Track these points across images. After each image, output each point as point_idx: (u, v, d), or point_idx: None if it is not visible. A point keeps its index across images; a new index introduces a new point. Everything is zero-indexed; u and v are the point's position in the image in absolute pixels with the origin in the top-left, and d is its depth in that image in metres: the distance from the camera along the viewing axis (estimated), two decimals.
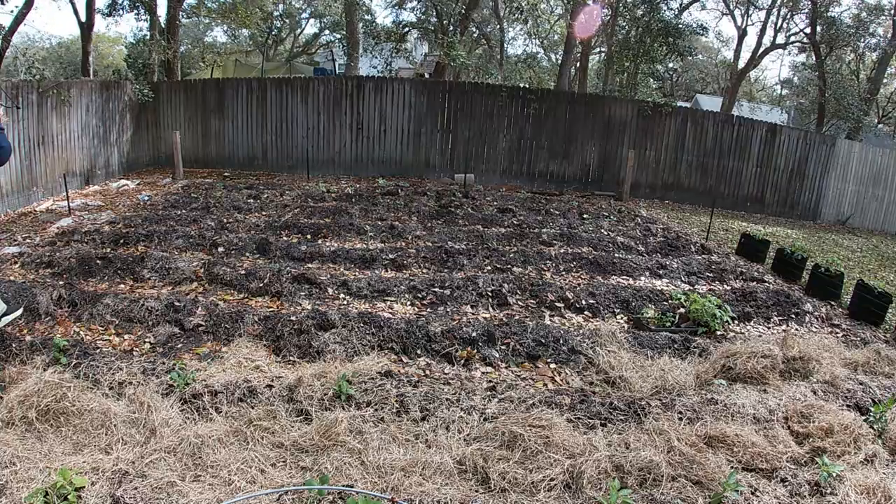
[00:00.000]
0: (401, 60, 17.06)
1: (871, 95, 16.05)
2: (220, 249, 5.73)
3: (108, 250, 5.50)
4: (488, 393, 3.24)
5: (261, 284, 4.78)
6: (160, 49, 12.02)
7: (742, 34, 20.34)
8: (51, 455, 2.44)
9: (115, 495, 2.23)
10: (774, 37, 19.40)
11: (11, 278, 4.67)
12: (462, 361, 3.72)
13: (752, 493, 2.54)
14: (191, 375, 3.12)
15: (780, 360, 3.77)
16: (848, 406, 3.35)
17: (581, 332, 4.18)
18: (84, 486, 2.23)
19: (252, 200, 8.07)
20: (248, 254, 5.70)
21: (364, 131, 11.44)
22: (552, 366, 3.78)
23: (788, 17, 18.51)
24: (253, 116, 11.46)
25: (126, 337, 3.85)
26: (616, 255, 6.42)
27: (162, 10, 13.22)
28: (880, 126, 21.86)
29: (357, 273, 5.39)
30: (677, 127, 11.86)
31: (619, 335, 4.13)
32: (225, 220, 6.85)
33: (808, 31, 16.56)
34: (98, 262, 5.01)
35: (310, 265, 5.50)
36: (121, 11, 12.82)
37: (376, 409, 2.95)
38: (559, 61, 19.28)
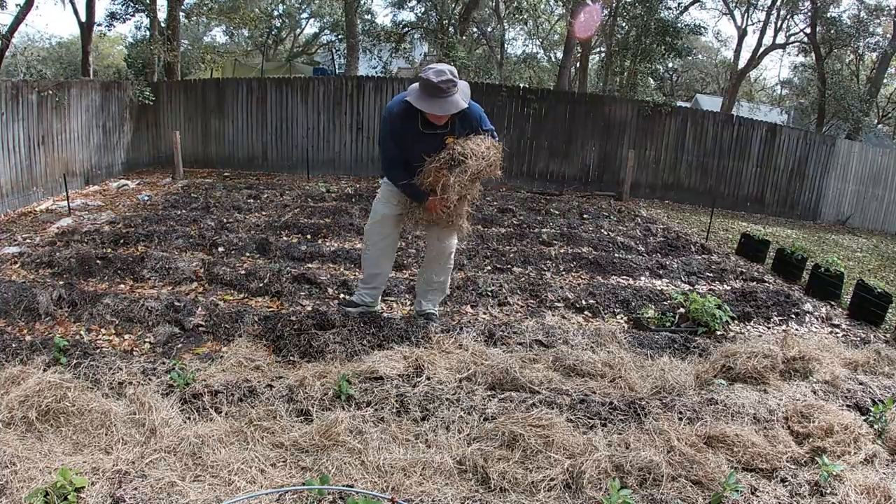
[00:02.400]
0: (400, 60, 17.07)
1: (871, 96, 16.06)
2: (220, 249, 5.73)
3: (108, 250, 5.50)
4: (488, 393, 3.24)
5: (261, 284, 4.78)
6: (161, 49, 12.02)
7: (742, 34, 20.34)
8: (51, 455, 2.44)
9: (116, 495, 2.23)
10: (774, 37, 19.42)
11: (12, 278, 4.67)
12: None
13: (752, 493, 2.54)
14: (191, 375, 3.12)
15: (780, 360, 3.77)
16: (848, 406, 3.35)
17: (581, 331, 4.18)
18: (84, 486, 2.23)
19: (252, 200, 8.07)
20: (248, 254, 5.70)
21: (364, 131, 11.44)
22: None
23: (788, 17, 18.52)
24: (253, 116, 11.46)
25: (126, 337, 3.85)
26: (616, 255, 6.43)
27: (162, 11, 13.23)
28: (880, 126, 21.88)
29: (357, 273, 5.38)
30: (677, 127, 11.86)
31: (619, 335, 4.13)
32: (225, 220, 6.86)
33: (808, 31, 16.57)
34: (98, 262, 5.01)
35: (310, 265, 5.50)
36: (121, 20, 12.88)
37: (376, 409, 2.95)
38: (559, 61, 19.29)
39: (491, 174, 3.65)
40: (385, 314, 4.36)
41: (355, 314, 4.08)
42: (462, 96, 3.40)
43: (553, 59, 25.40)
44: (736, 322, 4.83)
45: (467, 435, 2.80)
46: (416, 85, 3.47)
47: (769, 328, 4.91)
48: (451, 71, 3.35)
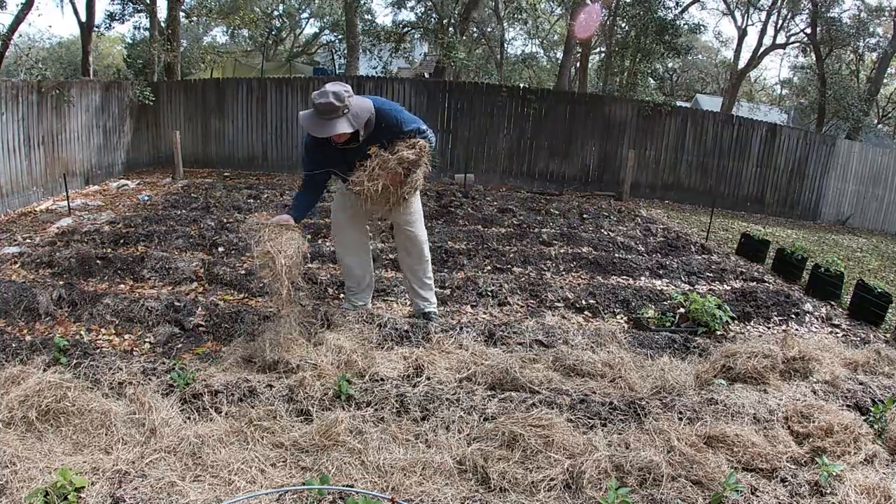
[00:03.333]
0: (400, 60, 17.07)
1: (871, 95, 16.06)
2: (220, 249, 5.73)
3: (108, 250, 5.50)
4: (488, 393, 3.24)
5: (261, 284, 4.78)
6: (161, 49, 12.02)
7: (742, 34, 20.36)
8: (51, 455, 2.44)
9: (116, 495, 2.24)
10: (774, 37, 19.42)
11: (12, 278, 4.67)
12: None
13: (752, 493, 2.54)
14: (191, 375, 3.12)
15: (780, 360, 3.77)
16: (848, 406, 3.35)
17: (581, 331, 4.18)
18: (84, 486, 2.23)
19: (252, 200, 8.07)
20: (248, 254, 5.70)
21: None
22: None
23: (788, 17, 18.53)
24: (253, 116, 11.46)
25: (126, 337, 3.85)
26: (616, 255, 6.43)
27: (162, 11, 13.23)
28: (880, 126, 21.88)
29: None
30: (677, 127, 11.86)
31: (619, 335, 4.13)
32: (225, 220, 6.85)
33: (808, 31, 16.57)
34: (98, 262, 5.02)
35: (310, 265, 5.50)
36: (120, 20, 12.88)
37: (376, 409, 2.95)
38: (559, 61, 19.29)
39: (415, 175, 3.63)
40: (385, 314, 4.35)
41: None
42: (354, 116, 3.37)
43: (553, 59, 25.40)
44: (736, 322, 4.83)
45: (467, 435, 2.80)
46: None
47: (769, 328, 4.91)
48: (336, 93, 3.29)
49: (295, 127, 11.41)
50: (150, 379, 3.08)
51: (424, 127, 3.77)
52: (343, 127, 3.35)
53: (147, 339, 3.82)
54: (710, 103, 23.05)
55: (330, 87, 3.35)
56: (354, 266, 4.20)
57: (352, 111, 3.37)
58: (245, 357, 3.44)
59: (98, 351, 3.47)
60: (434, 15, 15.48)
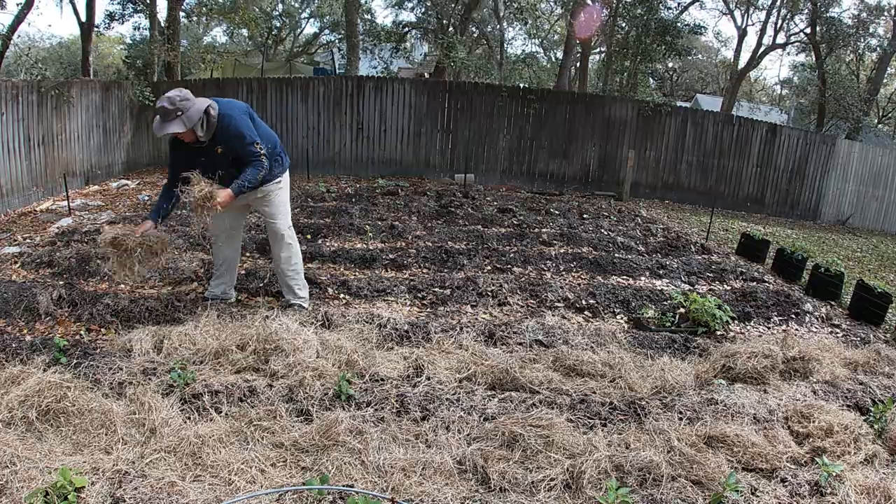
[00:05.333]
0: (400, 60, 17.07)
1: (871, 95, 16.06)
2: None
3: (109, 250, 5.49)
4: (488, 393, 3.24)
5: (261, 284, 4.78)
6: (161, 49, 12.01)
7: (742, 34, 20.36)
8: (51, 455, 2.44)
9: (116, 495, 2.24)
10: (774, 37, 19.42)
11: (12, 278, 4.67)
12: None
13: (752, 493, 2.54)
14: (191, 375, 3.12)
15: (780, 360, 3.77)
16: (848, 406, 3.36)
17: (581, 331, 4.18)
18: (84, 486, 2.23)
19: None
20: (247, 253, 5.70)
21: (364, 131, 11.44)
22: None
23: (788, 17, 18.53)
24: None
25: (126, 337, 3.84)
26: (616, 255, 6.43)
27: (162, 11, 13.23)
28: (880, 126, 21.88)
29: (357, 273, 5.39)
30: (677, 127, 11.86)
31: (619, 335, 4.14)
32: None
33: (808, 31, 16.58)
34: (98, 261, 5.01)
35: (310, 265, 5.50)
36: (120, 20, 12.86)
37: (376, 409, 2.95)
38: (559, 61, 19.29)
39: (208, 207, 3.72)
40: (385, 314, 4.36)
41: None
42: (187, 119, 3.59)
43: (553, 59, 25.39)
44: (736, 322, 4.83)
45: (467, 435, 2.80)
46: None
47: (769, 328, 4.91)
48: (170, 98, 3.55)
49: (295, 126, 11.41)
50: (150, 379, 3.09)
51: (260, 150, 3.89)
52: (176, 127, 3.60)
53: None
54: (710, 103, 23.05)
55: (170, 92, 3.61)
56: (220, 249, 4.42)
57: (186, 114, 3.60)
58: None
59: (98, 351, 3.47)
60: (434, 15, 15.48)
